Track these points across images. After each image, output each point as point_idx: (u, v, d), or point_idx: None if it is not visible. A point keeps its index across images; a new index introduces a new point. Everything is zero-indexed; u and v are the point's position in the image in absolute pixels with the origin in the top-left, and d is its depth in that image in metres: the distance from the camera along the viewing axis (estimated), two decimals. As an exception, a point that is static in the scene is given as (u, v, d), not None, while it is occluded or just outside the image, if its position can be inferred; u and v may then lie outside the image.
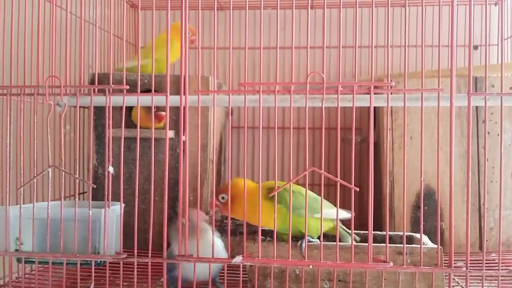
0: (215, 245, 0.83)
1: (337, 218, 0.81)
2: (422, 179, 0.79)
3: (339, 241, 0.89)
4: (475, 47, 1.54)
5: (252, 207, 0.85)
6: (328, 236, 0.95)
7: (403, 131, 1.25)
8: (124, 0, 1.47)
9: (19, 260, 0.91)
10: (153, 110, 0.86)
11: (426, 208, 1.23)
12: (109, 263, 0.87)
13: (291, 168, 0.81)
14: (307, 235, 0.87)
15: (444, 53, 0.82)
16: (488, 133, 1.23)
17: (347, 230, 0.98)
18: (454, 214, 0.80)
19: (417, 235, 0.98)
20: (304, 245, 0.87)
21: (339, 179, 0.77)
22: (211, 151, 1.23)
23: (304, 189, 0.92)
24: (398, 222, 1.25)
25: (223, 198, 0.96)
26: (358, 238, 0.98)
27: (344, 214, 0.94)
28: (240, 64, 1.63)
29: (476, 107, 1.25)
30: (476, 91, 1.20)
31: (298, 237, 0.90)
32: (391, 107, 1.23)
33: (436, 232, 1.20)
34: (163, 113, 1.19)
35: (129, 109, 1.27)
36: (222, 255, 0.86)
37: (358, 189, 0.78)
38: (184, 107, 0.84)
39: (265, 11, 1.59)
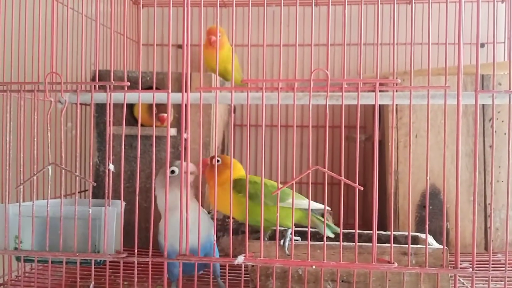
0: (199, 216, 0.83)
1: (343, 217, 0.80)
2: (427, 178, 0.78)
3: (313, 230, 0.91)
4: (481, 45, 1.52)
5: (223, 194, 0.88)
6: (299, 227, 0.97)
7: (408, 129, 1.24)
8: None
9: (18, 259, 0.90)
10: (154, 107, 0.84)
11: (431, 207, 1.21)
12: (110, 262, 0.86)
13: (294, 166, 0.79)
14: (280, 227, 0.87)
15: (450, 51, 0.80)
16: (495, 131, 1.21)
17: (321, 219, 0.96)
18: (459, 214, 0.78)
19: (422, 235, 0.97)
20: (287, 244, 0.86)
21: (343, 177, 0.75)
22: (213, 149, 1.22)
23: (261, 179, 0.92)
24: (403, 222, 1.24)
25: (218, 161, 0.94)
26: (337, 229, 0.97)
27: (317, 206, 0.94)
28: (243, 61, 1.62)
29: (483, 105, 1.24)
30: (482, 89, 1.18)
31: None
32: (396, 105, 1.22)
33: (441, 232, 1.18)
34: (165, 114, 1.18)
35: (131, 106, 1.26)
36: (206, 226, 0.86)
37: (362, 188, 0.76)
38: (185, 105, 0.82)
39: (269, 8, 1.58)
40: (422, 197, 1.23)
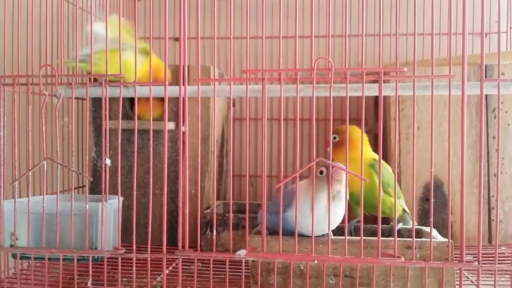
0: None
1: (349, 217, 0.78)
2: (432, 170, 0.76)
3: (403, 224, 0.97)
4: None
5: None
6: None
7: (410, 120, 1.23)
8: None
9: (14, 256, 0.89)
10: (151, 100, 0.82)
11: (433, 200, 1.20)
12: (108, 258, 0.84)
13: (297, 159, 0.78)
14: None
15: (451, 41, 0.78)
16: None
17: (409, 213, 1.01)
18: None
19: (426, 228, 0.95)
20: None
21: (347, 169, 0.74)
22: (213, 143, 1.20)
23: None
24: (405, 215, 1.22)
25: (334, 138, 0.95)
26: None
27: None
28: (242, 55, 1.60)
29: (486, 96, 1.22)
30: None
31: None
32: (398, 96, 1.20)
33: (443, 225, 1.18)
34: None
35: (130, 100, 1.24)
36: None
37: (367, 180, 0.74)
38: (183, 98, 0.80)
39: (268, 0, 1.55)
40: (425, 190, 1.21)
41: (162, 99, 0.81)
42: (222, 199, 1.38)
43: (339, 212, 0.82)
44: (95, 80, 0.83)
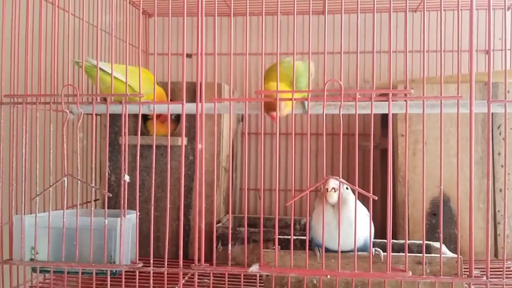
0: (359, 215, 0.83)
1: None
2: (441, 187, 0.78)
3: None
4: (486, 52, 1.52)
5: None
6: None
7: (417, 137, 1.25)
8: (139, 7, 1.47)
9: (34, 270, 0.91)
10: (169, 118, 0.85)
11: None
12: (125, 272, 0.86)
13: (308, 175, 0.80)
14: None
15: (454, 58, 0.81)
16: (503, 139, 1.22)
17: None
18: (469, 221, 0.78)
19: (435, 244, 0.97)
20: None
21: (357, 187, 0.76)
22: (224, 159, 1.22)
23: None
24: (413, 230, 1.24)
25: None
26: None
27: None
28: (258, 71, 1.62)
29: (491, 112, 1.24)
30: (491, 97, 1.19)
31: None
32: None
33: (451, 240, 1.20)
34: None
35: (143, 116, 1.27)
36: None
37: (376, 198, 0.77)
38: (200, 115, 0.83)
39: (282, 17, 1.58)
40: (432, 205, 1.23)
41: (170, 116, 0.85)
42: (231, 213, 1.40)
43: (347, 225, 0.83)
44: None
